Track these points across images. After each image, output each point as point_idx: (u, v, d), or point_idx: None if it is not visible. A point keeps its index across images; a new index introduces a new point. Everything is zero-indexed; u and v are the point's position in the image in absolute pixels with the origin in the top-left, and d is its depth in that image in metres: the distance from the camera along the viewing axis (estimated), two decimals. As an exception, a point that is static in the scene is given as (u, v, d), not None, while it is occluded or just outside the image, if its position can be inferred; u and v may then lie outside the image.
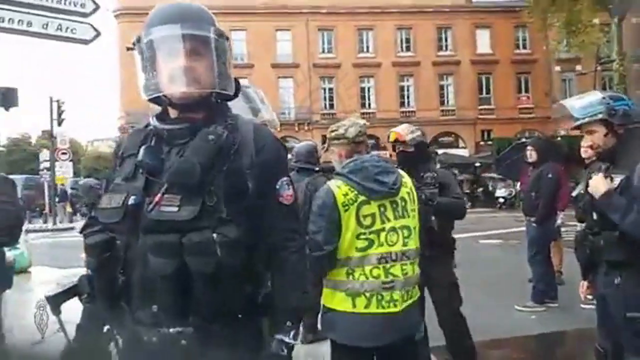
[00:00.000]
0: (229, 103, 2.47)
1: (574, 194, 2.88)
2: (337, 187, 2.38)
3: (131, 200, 1.49)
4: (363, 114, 33.27)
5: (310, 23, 33.19)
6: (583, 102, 2.63)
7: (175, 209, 1.46)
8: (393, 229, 2.37)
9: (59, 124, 22.56)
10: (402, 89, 34.40)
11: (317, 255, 2.31)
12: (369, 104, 34.07)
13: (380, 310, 2.32)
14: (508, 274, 7.40)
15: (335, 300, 2.37)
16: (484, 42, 34.38)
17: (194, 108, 1.59)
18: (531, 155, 6.15)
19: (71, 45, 6.17)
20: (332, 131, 2.61)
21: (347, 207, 2.33)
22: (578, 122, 2.62)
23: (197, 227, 1.44)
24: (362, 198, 2.34)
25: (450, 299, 3.50)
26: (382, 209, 2.36)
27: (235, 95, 1.69)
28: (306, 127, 32.28)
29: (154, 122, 1.62)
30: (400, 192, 2.41)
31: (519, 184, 7.59)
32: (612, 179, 2.52)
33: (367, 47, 34.26)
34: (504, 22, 33.34)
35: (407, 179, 2.50)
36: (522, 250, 7.32)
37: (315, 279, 2.36)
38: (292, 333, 1.61)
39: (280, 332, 1.60)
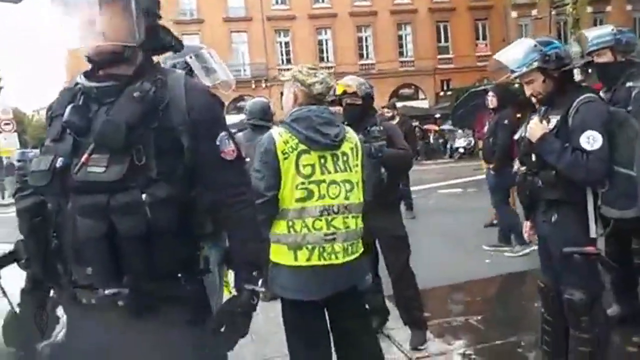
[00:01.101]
0: (193, 63, 2.49)
1: (515, 137, 2.95)
2: (279, 134, 2.37)
3: (59, 162, 1.48)
4: (321, 67, 32.56)
5: (261, -27, 31.95)
6: (517, 54, 2.66)
7: (102, 169, 1.44)
8: (334, 182, 2.37)
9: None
10: (360, 39, 33.79)
11: (260, 202, 2.27)
12: (327, 57, 33.41)
13: (322, 262, 2.34)
14: (465, 222, 7.54)
15: (278, 254, 2.38)
16: (440, -12, 33.87)
17: (115, 64, 1.55)
18: (492, 101, 6.16)
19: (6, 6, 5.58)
20: (300, 73, 2.47)
21: (286, 155, 2.32)
22: (515, 74, 2.68)
23: (125, 188, 1.43)
24: (302, 147, 2.33)
25: (397, 249, 3.48)
26: (322, 160, 2.35)
27: (175, 50, 1.69)
28: (263, 85, 31.52)
29: (81, 80, 1.58)
30: (342, 146, 2.40)
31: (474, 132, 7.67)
32: (549, 121, 2.62)
33: (323, -2, 33.29)
34: (460, -32, 32.92)
35: (352, 135, 2.50)
36: (480, 198, 7.50)
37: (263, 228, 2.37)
38: (260, 281, 1.66)
39: (250, 282, 1.64)
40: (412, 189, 8.60)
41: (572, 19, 20.91)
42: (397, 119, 8.50)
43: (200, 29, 31.63)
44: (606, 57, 3.26)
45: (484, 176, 6.59)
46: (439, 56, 33.89)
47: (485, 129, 6.45)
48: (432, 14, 33.83)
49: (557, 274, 2.69)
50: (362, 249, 2.52)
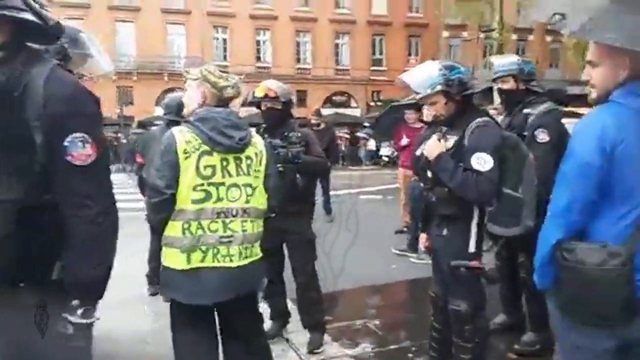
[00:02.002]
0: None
1: (417, 153, 3.05)
2: (181, 133, 2.30)
3: None
4: (258, 67, 32.65)
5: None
6: (422, 77, 2.76)
7: None
8: (235, 185, 2.33)
9: None
10: (298, 44, 33.94)
11: (156, 200, 2.28)
12: (264, 58, 33.29)
13: (215, 264, 2.28)
14: (381, 227, 7.81)
15: (170, 258, 2.31)
16: (380, 2, 34.70)
17: None
18: (427, 115, 6.31)
19: None
20: (212, 74, 2.43)
21: (187, 155, 2.26)
22: (420, 96, 2.77)
23: None
24: (205, 148, 2.28)
25: (304, 253, 3.51)
26: (224, 162, 2.31)
27: (48, 35, 1.53)
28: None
29: None
30: (246, 150, 2.38)
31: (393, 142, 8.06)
32: (447, 140, 2.74)
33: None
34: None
35: (258, 140, 2.49)
36: (397, 204, 7.80)
37: (158, 227, 2.35)
38: (79, 311, 1.49)
39: (65, 309, 1.48)
40: (336, 193, 8.73)
41: (497, 44, 22.09)
42: (322, 125, 8.73)
43: (135, 17, 30.57)
44: (509, 84, 3.51)
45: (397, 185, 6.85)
46: (373, 67, 34.71)
47: (403, 141, 6.75)
48: (370, 26, 34.60)
49: (445, 285, 2.85)
50: (260, 253, 2.50)
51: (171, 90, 29.86)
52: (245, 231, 2.36)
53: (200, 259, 2.27)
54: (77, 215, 1.46)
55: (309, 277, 3.51)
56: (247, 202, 2.36)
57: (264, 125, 3.51)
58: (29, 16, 1.43)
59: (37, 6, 1.47)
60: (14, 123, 1.38)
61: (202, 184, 2.26)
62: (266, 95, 3.37)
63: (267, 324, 3.56)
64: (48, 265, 1.49)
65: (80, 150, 1.45)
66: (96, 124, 1.54)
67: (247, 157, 2.38)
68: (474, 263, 2.71)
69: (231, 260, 2.31)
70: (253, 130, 2.54)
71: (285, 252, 3.61)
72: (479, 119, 2.69)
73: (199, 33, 31.68)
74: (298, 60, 33.96)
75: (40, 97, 1.40)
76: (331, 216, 8.62)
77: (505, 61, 3.61)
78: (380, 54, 35.14)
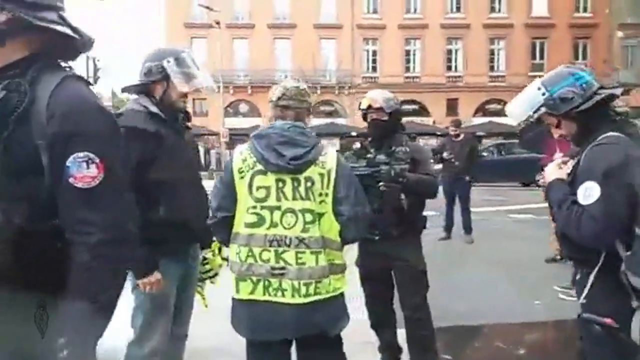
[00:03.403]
0: (170, 67, 2.38)
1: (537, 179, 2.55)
2: (240, 151, 2.19)
3: None
4: (407, 77, 32.42)
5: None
6: (521, 102, 2.33)
7: None
8: (291, 211, 2.09)
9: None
10: (449, 52, 32.98)
11: (210, 222, 2.19)
12: (414, 68, 32.94)
13: (266, 298, 2.08)
14: (528, 252, 7.01)
15: (234, 284, 2.17)
16: (540, 3, 32.27)
17: None
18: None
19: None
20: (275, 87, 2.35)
21: (242, 174, 2.13)
22: (520, 121, 2.34)
23: None
24: (259, 167, 2.11)
25: (411, 284, 3.15)
26: (279, 184, 2.10)
27: (74, 49, 1.42)
28: (346, 91, 31.62)
29: None
30: (305, 170, 2.10)
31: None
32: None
33: (415, 8, 32.83)
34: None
35: (327, 159, 2.15)
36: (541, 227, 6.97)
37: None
38: (65, 352, 1.29)
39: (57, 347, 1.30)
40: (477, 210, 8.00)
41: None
42: (461, 137, 8.27)
43: (291, 34, 32.34)
44: None
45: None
46: (532, 73, 32.28)
47: (556, 156, 6.00)
48: (529, 29, 32.35)
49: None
50: (338, 289, 2.18)
51: (325, 102, 31.31)
52: (303, 264, 2.07)
53: (250, 290, 2.10)
54: (78, 243, 1.31)
55: (416, 311, 3.16)
56: (305, 230, 2.08)
57: (369, 139, 3.26)
58: (67, 30, 1.36)
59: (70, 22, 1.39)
60: (18, 142, 1.27)
61: (255, 207, 2.09)
62: (370, 107, 3.13)
63: (377, 358, 3.38)
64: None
65: (82, 171, 1.30)
66: (106, 142, 1.38)
67: (307, 179, 2.10)
68: (608, 321, 2.14)
69: (283, 295, 2.07)
70: (330, 147, 2.27)
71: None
72: (605, 135, 2.09)
73: (349, 46, 32.41)
74: (449, 68, 33.00)
75: (44, 113, 1.28)
76: (471, 237, 8.09)
77: None
78: (541, 58, 32.57)
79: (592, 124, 2.17)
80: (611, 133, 2.12)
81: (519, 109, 2.34)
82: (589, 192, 2.03)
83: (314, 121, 25.72)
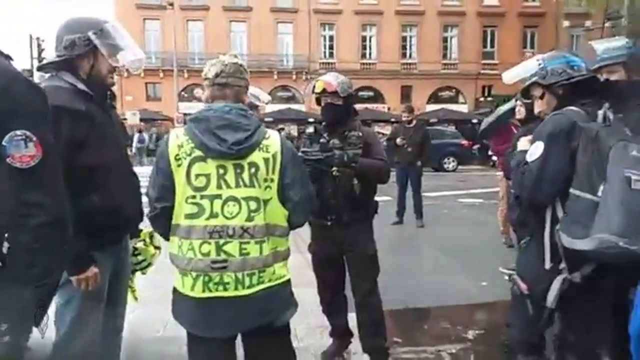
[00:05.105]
0: (96, 40, 2.14)
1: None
2: (176, 135, 2.00)
3: None
4: (362, 64, 32.57)
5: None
6: (519, 69, 2.69)
7: None
8: (234, 199, 1.95)
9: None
10: (404, 39, 33.29)
11: (150, 215, 2.05)
12: (370, 54, 33.12)
13: (206, 295, 1.94)
14: (476, 236, 7.29)
15: (175, 276, 2.05)
16: (491, -7, 33.01)
17: None
18: (519, 111, 5.58)
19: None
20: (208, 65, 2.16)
21: (179, 162, 1.95)
22: (514, 80, 2.71)
23: None
24: (197, 153, 1.95)
25: (362, 269, 3.15)
26: (220, 171, 1.95)
27: None
28: (304, 77, 31.51)
29: None
30: (248, 155, 1.97)
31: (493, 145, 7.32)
32: None
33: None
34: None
35: (271, 142, 2.03)
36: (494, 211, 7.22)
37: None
38: (6, 338, 1.25)
39: None
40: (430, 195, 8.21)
41: (627, 33, 19.82)
42: (414, 123, 8.43)
43: (247, 17, 31.85)
44: (618, 74, 2.70)
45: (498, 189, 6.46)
46: (483, 61, 33.09)
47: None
48: (481, 18, 33.04)
49: None
50: (284, 276, 2.08)
51: (282, 87, 31.11)
52: (247, 255, 1.95)
53: (191, 286, 1.96)
54: (20, 225, 1.25)
55: (367, 296, 3.15)
56: (250, 219, 1.95)
57: (323, 123, 3.22)
58: None
59: None
60: None
61: (194, 196, 1.94)
62: (324, 90, 3.05)
63: (327, 343, 3.40)
64: None
65: (20, 150, 1.25)
66: (42, 120, 1.34)
67: (251, 165, 1.97)
68: (522, 285, 2.30)
69: (225, 289, 1.94)
70: (270, 130, 2.12)
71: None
72: (566, 108, 2.26)
73: (305, 31, 32.24)
74: (404, 55, 33.35)
75: None
76: (422, 221, 8.30)
77: (612, 45, 2.80)
78: (492, 46, 33.38)
79: (567, 103, 2.32)
80: (572, 108, 2.26)
81: (515, 72, 2.66)
82: (533, 150, 2.23)
83: (271, 107, 25.49)
